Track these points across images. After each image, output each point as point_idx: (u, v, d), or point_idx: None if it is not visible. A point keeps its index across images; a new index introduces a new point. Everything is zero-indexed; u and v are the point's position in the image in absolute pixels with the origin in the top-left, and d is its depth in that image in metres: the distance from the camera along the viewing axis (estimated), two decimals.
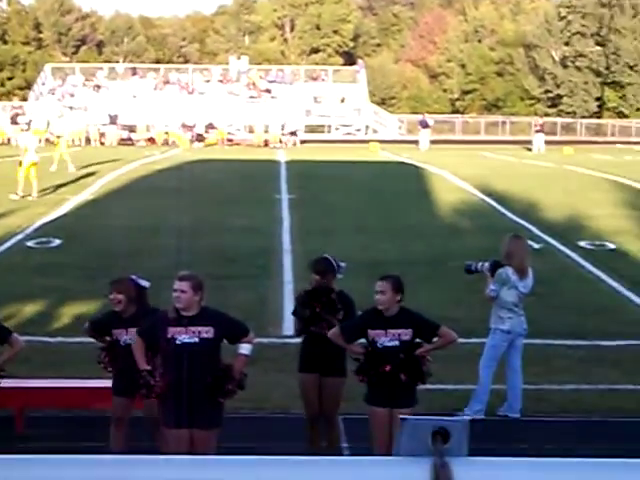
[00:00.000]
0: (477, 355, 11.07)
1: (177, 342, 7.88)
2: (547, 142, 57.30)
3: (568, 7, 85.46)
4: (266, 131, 59.59)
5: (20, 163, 28.80)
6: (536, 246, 20.19)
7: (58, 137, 39.57)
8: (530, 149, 56.31)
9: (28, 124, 31.81)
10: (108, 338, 8.87)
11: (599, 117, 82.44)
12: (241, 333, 8.18)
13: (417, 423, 1.50)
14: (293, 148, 56.16)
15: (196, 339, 7.89)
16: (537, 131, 57.51)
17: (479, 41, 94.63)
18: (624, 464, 1.53)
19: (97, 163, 39.21)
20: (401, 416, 1.52)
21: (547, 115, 78.29)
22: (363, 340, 8.52)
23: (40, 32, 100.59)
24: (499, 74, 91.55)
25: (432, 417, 1.50)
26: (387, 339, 8.29)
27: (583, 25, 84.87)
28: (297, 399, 9.80)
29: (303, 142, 59.06)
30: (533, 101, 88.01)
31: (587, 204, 27.87)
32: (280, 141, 58.10)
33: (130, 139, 58.86)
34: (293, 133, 59.33)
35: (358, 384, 8.74)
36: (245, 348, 8.15)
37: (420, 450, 1.48)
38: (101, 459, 1.52)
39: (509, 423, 10.50)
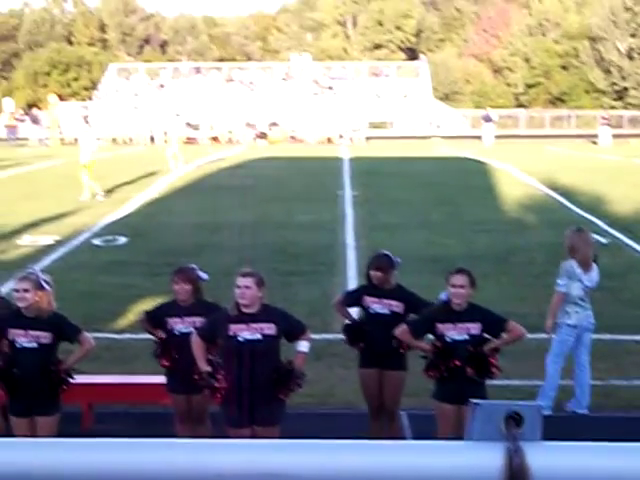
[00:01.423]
0: (544, 350, 10.95)
1: (239, 339, 7.87)
2: (614, 135, 56.62)
3: None
4: (329, 128, 59.69)
5: (85, 166, 28.94)
6: (603, 241, 19.95)
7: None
8: (596, 142, 55.69)
9: (88, 124, 32.16)
10: (161, 333, 8.87)
11: None
12: (300, 331, 8.18)
13: (490, 407, 1.47)
14: (356, 145, 56.13)
15: (259, 336, 7.88)
16: (603, 124, 56.87)
17: (543, 34, 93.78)
18: None
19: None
20: (474, 400, 1.49)
21: (613, 108, 77.45)
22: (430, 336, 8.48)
23: (105, 33, 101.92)
24: (564, 67, 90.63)
25: (505, 402, 1.47)
26: (456, 333, 8.24)
27: None
28: (359, 396, 9.77)
29: (368, 139, 59.01)
30: (599, 94, 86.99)
31: None
32: (341, 136, 58.15)
33: (194, 138, 59.31)
34: (355, 130, 59.33)
35: (424, 380, 8.70)
36: (304, 345, 8.14)
37: (493, 435, 1.45)
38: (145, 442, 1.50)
39: (576, 419, 10.37)
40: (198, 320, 8.54)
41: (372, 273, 9.16)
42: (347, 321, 9.58)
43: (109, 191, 29.86)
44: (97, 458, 1.49)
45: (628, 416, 10.40)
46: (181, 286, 8.74)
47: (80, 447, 1.52)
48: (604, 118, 57.69)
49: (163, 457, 1.48)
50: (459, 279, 8.26)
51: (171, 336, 8.74)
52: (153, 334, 9.04)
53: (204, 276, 8.97)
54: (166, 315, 8.83)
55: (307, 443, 1.47)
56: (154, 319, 8.98)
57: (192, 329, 8.50)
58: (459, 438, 1.56)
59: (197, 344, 8.08)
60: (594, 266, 10.67)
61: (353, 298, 9.55)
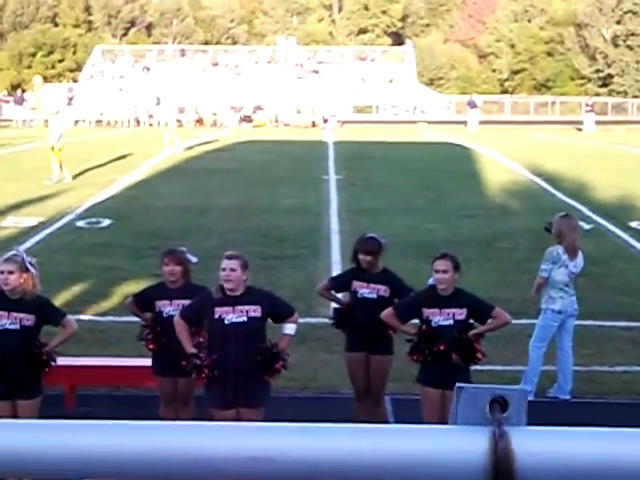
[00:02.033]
0: (526, 336, 10.99)
1: (225, 322, 7.87)
2: (598, 122, 56.75)
3: None
4: (313, 112, 59.63)
5: (53, 148, 28.60)
6: (587, 227, 20.00)
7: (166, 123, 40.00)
8: (580, 129, 55.84)
9: (71, 105, 31.44)
10: (149, 315, 8.86)
11: None
12: (286, 312, 8.17)
13: (474, 391, 1.46)
14: (341, 129, 56.08)
15: (244, 318, 7.88)
16: (587, 111, 57.03)
17: (529, 20, 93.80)
18: None
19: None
20: (458, 384, 1.49)
21: (598, 95, 77.59)
22: (415, 321, 8.50)
23: (90, 15, 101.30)
24: (549, 54, 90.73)
25: (490, 386, 1.47)
26: (442, 318, 8.25)
27: (635, 3, 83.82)
28: (345, 379, 9.79)
29: (345, 122, 58.87)
30: (583, 81, 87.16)
31: (638, 184, 27.52)
32: (325, 121, 58.13)
33: (179, 120, 59.07)
34: (332, 115, 59.17)
35: (407, 365, 8.72)
36: (290, 328, 8.14)
37: (477, 419, 1.45)
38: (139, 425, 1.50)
39: (558, 404, 10.41)
40: (186, 303, 8.53)
41: (361, 257, 9.12)
42: (335, 305, 9.59)
43: (86, 171, 29.80)
44: (77, 440, 1.48)
45: (609, 402, 10.45)
46: (171, 268, 8.71)
47: (60, 429, 1.51)
48: (588, 105, 57.83)
49: (145, 439, 1.47)
50: (442, 264, 8.28)
51: (159, 318, 8.72)
52: (140, 317, 9.02)
53: (193, 259, 8.96)
54: (154, 298, 8.81)
55: (288, 426, 1.47)
56: (142, 302, 8.95)
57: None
58: (443, 423, 1.56)
59: (180, 326, 8.06)
60: (580, 252, 10.70)
61: (340, 283, 9.54)
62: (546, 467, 1.41)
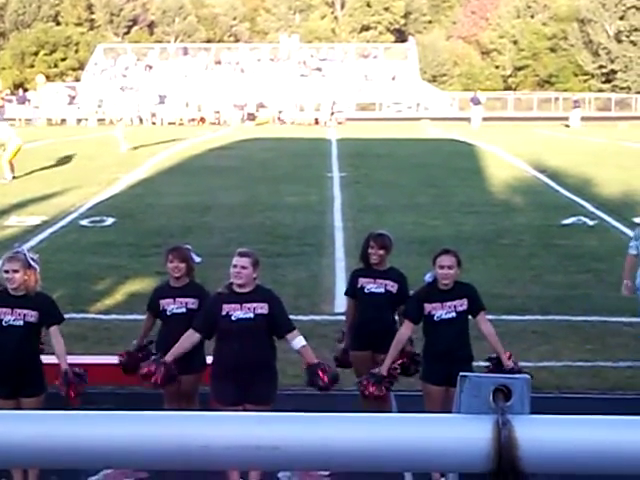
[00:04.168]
0: (530, 332, 10.99)
1: (232, 318, 7.87)
2: (601, 118, 57.01)
3: None
4: (317, 109, 59.60)
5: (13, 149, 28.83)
6: (590, 223, 20.02)
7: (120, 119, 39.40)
8: (568, 125, 56.77)
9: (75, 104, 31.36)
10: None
11: None
12: (287, 326, 8.04)
13: (478, 380, 1.47)
14: (343, 126, 56.07)
15: (251, 315, 7.88)
16: (574, 107, 58.37)
17: (532, 16, 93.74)
18: None
19: (152, 143, 39.44)
20: (462, 373, 1.49)
21: (601, 91, 77.53)
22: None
23: (92, 13, 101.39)
24: (552, 50, 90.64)
25: (493, 375, 1.47)
26: (444, 312, 8.26)
27: None
28: (349, 376, 9.79)
29: (348, 119, 58.80)
30: (587, 77, 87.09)
31: None
32: (330, 119, 58.14)
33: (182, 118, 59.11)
34: (335, 112, 59.04)
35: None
36: (299, 340, 8.04)
37: (481, 408, 1.45)
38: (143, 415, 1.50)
39: (563, 400, 10.41)
40: (190, 301, 8.56)
41: (373, 251, 9.11)
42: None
43: (89, 169, 29.80)
44: (79, 431, 1.48)
45: (614, 397, 10.44)
46: (176, 264, 8.72)
47: (64, 419, 1.52)
48: (574, 101, 59.20)
49: (147, 429, 1.48)
50: (447, 260, 8.29)
51: (163, 317, 8.75)
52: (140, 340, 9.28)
53: (197, 259, 8.96)
54: (158, 297, 8.84)
55: (295, 416, 1.47)
56: (153, 307, 8.94)
57: (184, 310, 8.55)
58: None
59: (188, 338, 8.04)
60: None
61: (351, 289, 9.43)
62: (549, 455, 1.42)
